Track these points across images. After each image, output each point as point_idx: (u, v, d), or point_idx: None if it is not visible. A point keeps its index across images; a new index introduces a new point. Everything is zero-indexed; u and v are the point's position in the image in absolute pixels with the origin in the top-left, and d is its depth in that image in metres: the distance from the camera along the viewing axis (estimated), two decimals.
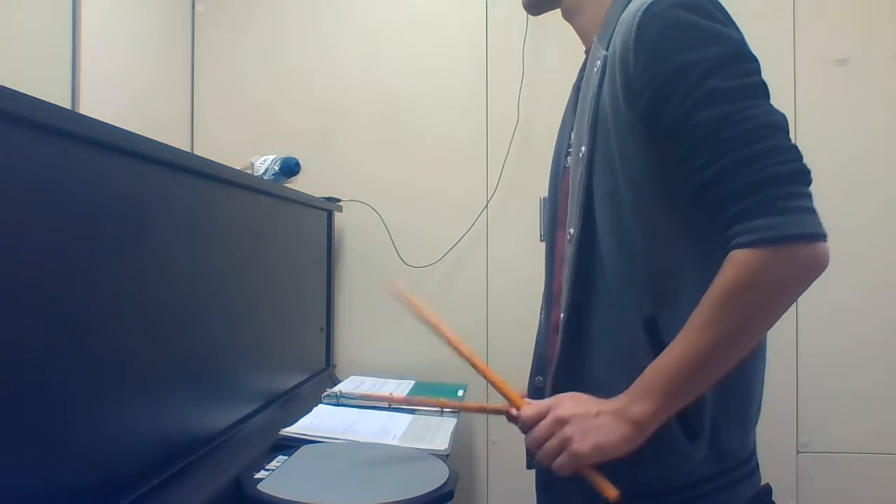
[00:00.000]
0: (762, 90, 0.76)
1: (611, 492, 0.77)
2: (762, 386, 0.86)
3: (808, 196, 0.72)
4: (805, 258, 0.71)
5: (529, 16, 1.06)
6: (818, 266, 0.71)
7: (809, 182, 0.73)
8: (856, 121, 1.86)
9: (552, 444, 0.79)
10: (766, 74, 0.76)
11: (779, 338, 1.81)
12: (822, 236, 0.71)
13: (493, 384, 0.92)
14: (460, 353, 0.95)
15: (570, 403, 0.80)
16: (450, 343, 0.95)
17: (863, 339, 1.84)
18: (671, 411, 0.76)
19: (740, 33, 0.78)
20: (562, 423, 0.79)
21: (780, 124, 0.74)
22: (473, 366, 0.95)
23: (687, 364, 0.74)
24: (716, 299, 0.72)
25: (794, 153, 0.72)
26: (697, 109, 0.73)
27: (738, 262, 0.71)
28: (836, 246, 0.71)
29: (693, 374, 0.74)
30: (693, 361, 0.73)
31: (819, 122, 1.85)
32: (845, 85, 1.87)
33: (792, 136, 0.74)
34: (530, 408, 0.83)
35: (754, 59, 0.77)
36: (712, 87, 0.73)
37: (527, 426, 0.83)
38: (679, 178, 0.76)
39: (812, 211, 0.71)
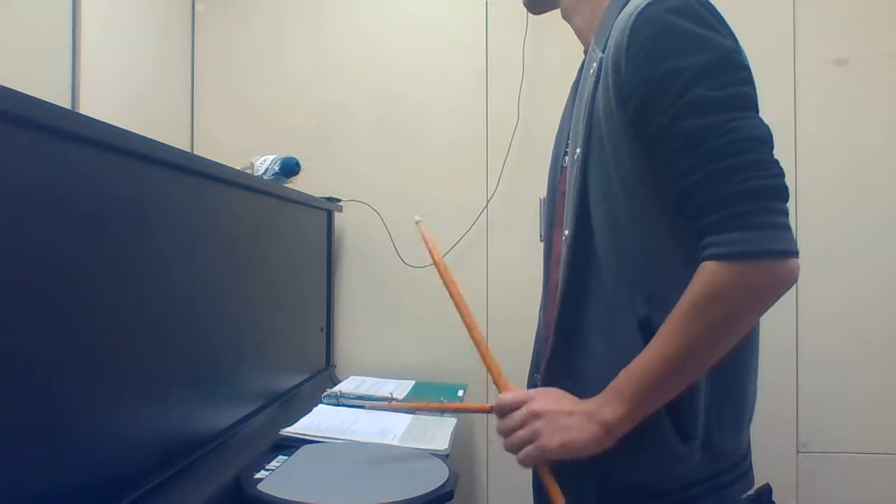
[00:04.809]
0: (748, 101, 0.75)
1: (558, 499, 0.79)
2: (756, 387, 0.86)
3: (783, 212, 0.72)
4: (775, 274, 0.71)
5: (529, 16, 1.06)
6: (787, 282, 0.71)
7: (786, 198, 0.73)
8: (856, 121, 1.85)
9: (522, 434, 0.80)
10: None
11: (779, 338, 1.82)
12: (793, 253, 0.71)
13: (487, 364, 0.92)
14: (465, 322, 0.96)
15: (547, 399, 0.81)
16: (457, 305, 0.97)
17: (863, 340, 1.84)
18: (641, 415, 0.76)
19: (733, 38, 0.78)
20: (535, 416, 0.80)
21: (762, 138, 0.73)
22: (472, 337, 0.95)
23: (656, 371, 0.74)
24: (686, 309, 0.73)
25: (773, 168, 0.72)
26: (681, 118, 0.74)
27: (708, 273, 0.72)
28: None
29: (661, 380, 0.75)
30: (662, 368, 0.74)
31: (819, 122, 1.84)
32: (845, 85, 1.86)
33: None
34: (509, 395, 0.84)
35: (743, 68, 0.76)
36: (697, 96, 0.73)
37: (502, 411, 0.84)
38: (665, 182, 0.77)
39: (786, 227, 0.71)
